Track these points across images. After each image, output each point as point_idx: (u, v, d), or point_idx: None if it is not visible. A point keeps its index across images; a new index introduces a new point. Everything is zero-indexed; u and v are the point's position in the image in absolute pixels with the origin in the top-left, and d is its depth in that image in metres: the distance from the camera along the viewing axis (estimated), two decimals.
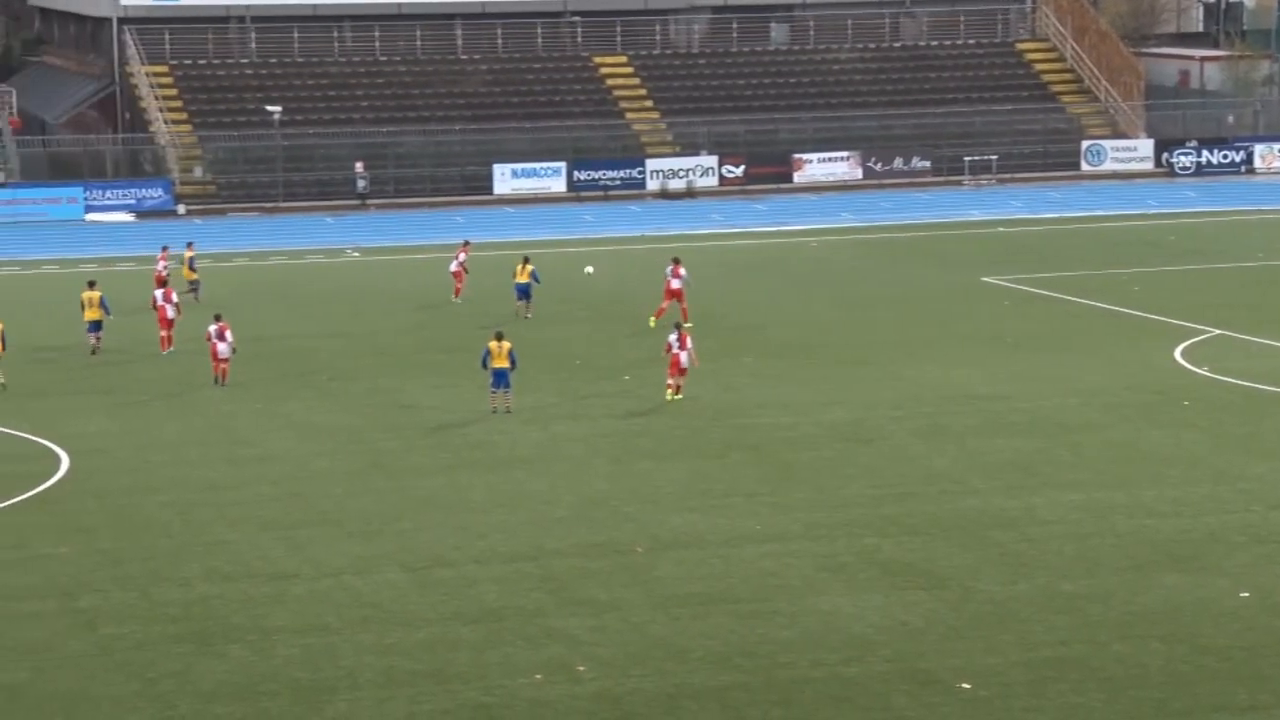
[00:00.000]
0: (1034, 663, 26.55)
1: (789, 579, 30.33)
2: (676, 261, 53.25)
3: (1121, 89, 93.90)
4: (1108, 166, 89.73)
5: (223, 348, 45.59)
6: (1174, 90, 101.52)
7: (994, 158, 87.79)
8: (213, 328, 45.92)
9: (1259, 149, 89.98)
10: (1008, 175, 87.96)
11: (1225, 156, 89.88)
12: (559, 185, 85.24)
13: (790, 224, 76.02)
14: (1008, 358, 48.11)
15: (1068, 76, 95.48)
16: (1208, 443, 38.88)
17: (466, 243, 60.64)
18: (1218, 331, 50.85)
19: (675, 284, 52.67)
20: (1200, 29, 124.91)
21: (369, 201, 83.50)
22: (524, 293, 55.01)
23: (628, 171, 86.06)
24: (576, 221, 78.09)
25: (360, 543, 32.59)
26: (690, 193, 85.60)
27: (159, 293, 50.96)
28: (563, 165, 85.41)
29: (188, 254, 58.62)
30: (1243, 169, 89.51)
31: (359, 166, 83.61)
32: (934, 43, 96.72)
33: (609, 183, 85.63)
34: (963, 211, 79.03)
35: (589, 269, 56.37)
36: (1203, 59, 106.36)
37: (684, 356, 43.18)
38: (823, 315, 55.04)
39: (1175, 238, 70.63)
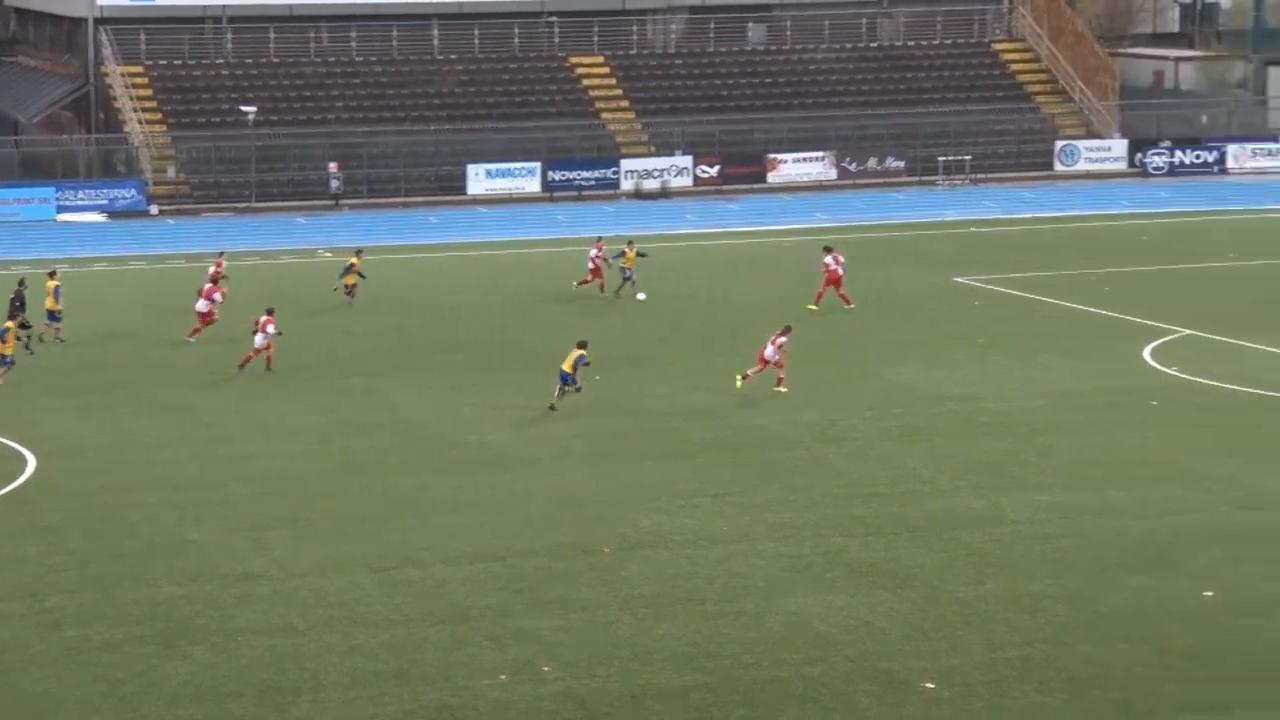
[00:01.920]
0: (998, 663, 26.63)
1: (755, 579, 30.40)
2: (829, 249, 55.34)
3: (1096, 89, 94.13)
4: (1081, 166, 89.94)
5: (258, 338, 46.94)
6: (1149, 90, 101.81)
7: (968, 158, 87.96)
8: (262, 318, 47.16)
9: (1232, 149, 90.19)
10: (982, 175, 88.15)
11: (1198, 157, 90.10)
12: (533, 185, 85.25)
13: (764, 224, 76.12)
14: (979, 358, 48.22)
15: (1043, 77, 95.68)
16: (1175, 443, 39.02)
17: (600, 239, 60.71)
18: (1187, 332, 51.03)
19: (837, 269, 54.74)
20: (1176, 29, 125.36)
21: (342, 202, 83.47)
22: (629, 277, 57.08)
23: (602, 172, 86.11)
24: (550, 222, 78.12)
25: (329, 543, 32.60)
26: (665, 193, 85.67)
27: (208, 286, 52.35)
28: (537, 165, 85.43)
29: (354, 261, 57.90)
30: (1216, 169, 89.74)
31: (333, 167, 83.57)
32: (910, 43, 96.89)
33: (583, 183, 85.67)
34: (936, 211, 79.19)
35: (641, 296, 56.53)
36: (1178, 59, 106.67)
37: (769, 350, 43.43)
38: (796, 316, 55.04)
39: (1148, 238, 70.84)
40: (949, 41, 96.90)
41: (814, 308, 54.50)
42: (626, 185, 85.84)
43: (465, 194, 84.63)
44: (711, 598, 29.52)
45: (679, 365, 47.70)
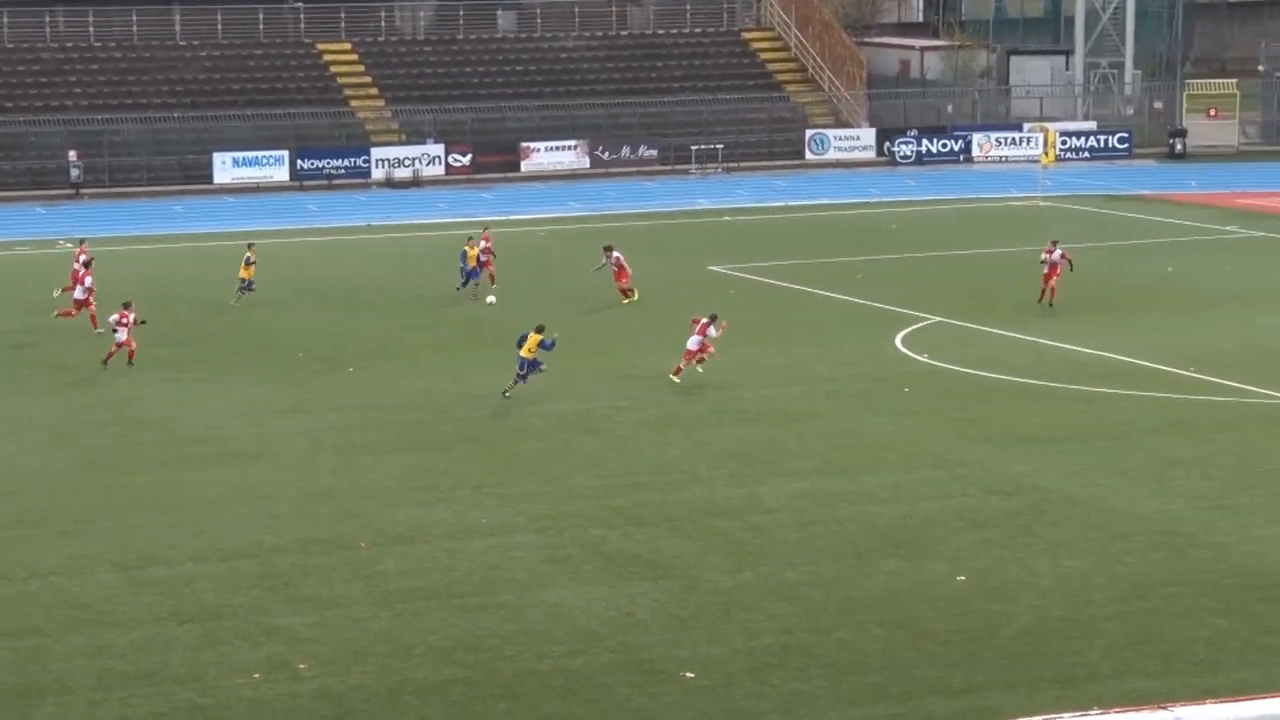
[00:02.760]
0: (757, 651, 26.81)
1: (514, 572, 30.28)
2: (609, 248, 54.91)
3: (844, 78, 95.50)
4: (831, 155, 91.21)
5: (119, 333, 45.77)
6: (895, 79, 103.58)
7: (720, 146, 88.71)
8: (114, 317, 46.03)
9: (977, 138, 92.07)
10: (734, 164, 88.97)
11: (944, 145, 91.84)
12: (282, 174, 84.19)
13: (518, 213, 76.01)
14: (735, 346, 48.55)
15: (792, 65, 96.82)
16: (927, 429, 39.68)
17: (486, 228, 58.97)
18: (937, 319, 51.96)
19: (618, 257, 54.89)
20: (920, 19, 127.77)
21: (83, 191, 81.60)
22: (474, 274, 55.32)
23: (352, 160, 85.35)
24: (300, 211, 77.20)
25: (72, 542, 31.80)
26: (416, 181, 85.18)
27: (80, 273, 50.89)
28: (285, 154, 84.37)
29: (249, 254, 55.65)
30: (961, 158, 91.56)
31: (73, 155, 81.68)
32: (660, 31, 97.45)
33: (333, 171, 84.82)
34: (690, 200, 79.74)
35: (491, 299, 55.12)
36: (923, 48, 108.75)
37: (692, 341, 43.68)
38: (546, 306, 55.03)
39: (896, 226, 72.03)
40: (699, 30, 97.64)
41: (627, 301, 54.39)
42: (377, 174, 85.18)
43: (212, 183, 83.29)
44: (470, 591, 29.34)
45: (431, 357, 47.40)
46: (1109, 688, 25.25)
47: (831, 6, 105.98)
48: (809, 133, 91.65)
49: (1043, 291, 52.86)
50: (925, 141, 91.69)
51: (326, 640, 27.17)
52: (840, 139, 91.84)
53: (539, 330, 42.25)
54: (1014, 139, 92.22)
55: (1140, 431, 39.28)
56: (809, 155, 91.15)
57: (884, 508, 33.81)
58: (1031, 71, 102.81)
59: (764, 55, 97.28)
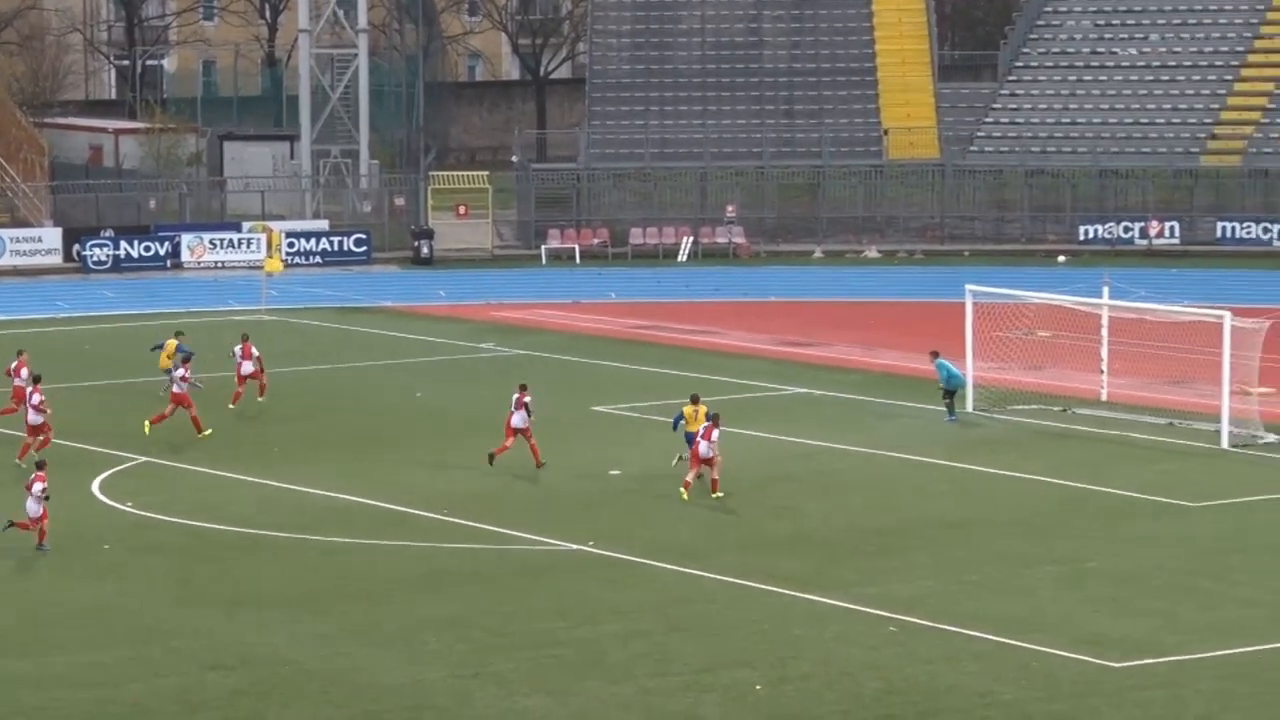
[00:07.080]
0: None
1: None
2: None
3: (22, 167, 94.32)
4: (7, 261, 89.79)
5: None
6: (85, 169, 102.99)
7: None
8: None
9: (187, 239, 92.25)
10: None
11: (148, 248, 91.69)
12: None
13: None
14: None
15: None
16: (133, 594, 39.58)
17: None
18: (143, 459, 51.85)
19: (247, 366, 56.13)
20: (114, 95, 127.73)
21: None
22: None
23: None
24: None
25: None
26: None
27: None
28: None
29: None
30: (169, 263, 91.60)
31: None
32: None
33: None
34: None
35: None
36: (117, 132, 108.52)
37: (704, 447, 46.21)
38: None
39: (91, 347, 71.53)
40: None
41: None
42: None
43: None
44: None
45: None
46: None
47: (3, 80, 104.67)
48: None
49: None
50: (124, 244, 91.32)
51: None
52: (18, 241, 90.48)
53: (696, 400, 48.02)
54: (232, 241, 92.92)
55: (389, 588, 40.23)
56: None
57: (79, 692, 33.45)
58: (250, 160, 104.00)
59: None
